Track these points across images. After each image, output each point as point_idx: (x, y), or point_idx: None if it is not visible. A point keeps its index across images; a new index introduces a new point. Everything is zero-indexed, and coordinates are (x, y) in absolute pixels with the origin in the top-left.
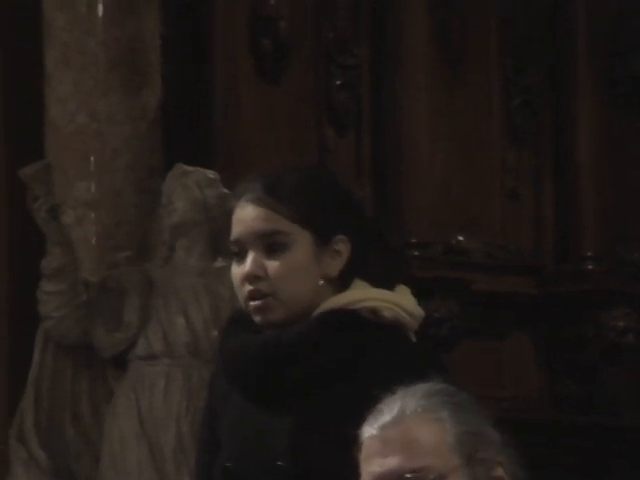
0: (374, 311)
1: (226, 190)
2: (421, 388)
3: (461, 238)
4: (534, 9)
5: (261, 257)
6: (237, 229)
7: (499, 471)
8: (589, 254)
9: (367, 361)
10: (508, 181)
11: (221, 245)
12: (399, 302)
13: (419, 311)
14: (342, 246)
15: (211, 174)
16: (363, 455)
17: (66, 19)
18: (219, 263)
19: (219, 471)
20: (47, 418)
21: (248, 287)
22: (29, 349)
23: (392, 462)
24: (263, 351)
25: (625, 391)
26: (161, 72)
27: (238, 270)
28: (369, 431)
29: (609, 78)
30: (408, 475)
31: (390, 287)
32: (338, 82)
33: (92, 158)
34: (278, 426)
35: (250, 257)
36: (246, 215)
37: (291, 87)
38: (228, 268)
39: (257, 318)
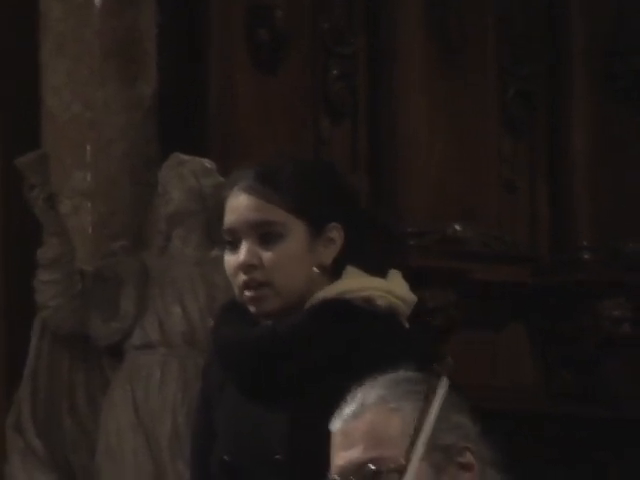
0: (368, 300)
1: (222, 179)
2: (386, 378)
3: (457, 228)
4: (532, 8)
5: (255, 246)
6: (230, 218)
7: (467, 457)
8: (584, 244)
9: (361, 355)
10: (504, 172)
11: (216, 235)
12: (392, 289)
13: (411, 297)
14: (336, 234)
15: (207, 163)
16: (331, 449)
17: (62, 9)
18: (215, 252)
19: (216, 463)
20: (44, 408)
21: (243, 277)
22: (26, 339)
23: (353, 454)
24: (258, 345)
25: (622, 382)
26: (157, 62)
27: (232, 259)
28: (335, 424)
29: (609, 72)
30: (371, 466)
31: (382, 273)
32: (334, 72)
33: (88, 147)
34: (274, 419)
35: (244, 246)
36: (239, 204)
37: (287, 78)
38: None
39: (252, 308)
